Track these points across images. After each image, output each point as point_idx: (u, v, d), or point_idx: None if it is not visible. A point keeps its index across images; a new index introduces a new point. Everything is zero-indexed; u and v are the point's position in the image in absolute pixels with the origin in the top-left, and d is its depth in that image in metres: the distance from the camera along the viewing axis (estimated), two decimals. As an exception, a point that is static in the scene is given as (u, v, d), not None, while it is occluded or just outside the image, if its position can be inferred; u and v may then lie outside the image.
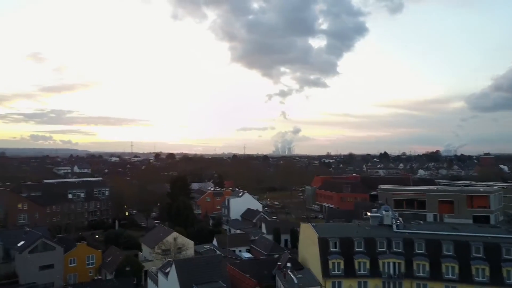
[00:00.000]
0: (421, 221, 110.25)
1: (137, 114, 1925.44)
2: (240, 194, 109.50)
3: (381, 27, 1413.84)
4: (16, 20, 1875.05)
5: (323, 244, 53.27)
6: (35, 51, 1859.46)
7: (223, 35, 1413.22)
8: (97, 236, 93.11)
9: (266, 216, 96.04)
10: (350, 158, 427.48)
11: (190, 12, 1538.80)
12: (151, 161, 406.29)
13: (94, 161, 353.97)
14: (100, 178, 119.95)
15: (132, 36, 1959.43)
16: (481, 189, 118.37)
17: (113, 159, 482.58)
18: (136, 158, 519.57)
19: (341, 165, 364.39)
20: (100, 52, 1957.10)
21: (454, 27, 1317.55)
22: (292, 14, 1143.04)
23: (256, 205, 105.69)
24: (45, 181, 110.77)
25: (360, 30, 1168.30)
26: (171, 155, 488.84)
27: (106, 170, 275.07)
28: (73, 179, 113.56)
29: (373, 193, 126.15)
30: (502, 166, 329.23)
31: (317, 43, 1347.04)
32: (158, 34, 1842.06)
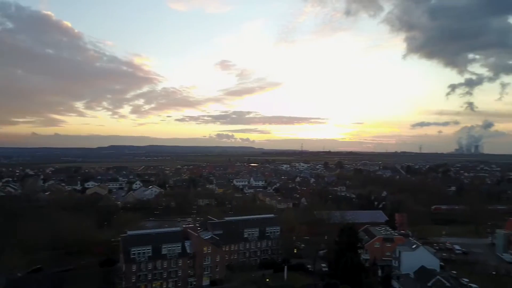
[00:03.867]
0: None
1: (309, 113, 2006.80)
2: (413, 246, 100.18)
3: None
4: (209, 33, 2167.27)
5: None
6: (223, 59, 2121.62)
7: (400, 26, 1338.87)
8: (267, 280, 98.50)
9: (444, 280, 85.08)
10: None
11: (364, 6, 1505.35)
12: (319, 172, 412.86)
13: (267, 173, 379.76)
14: (272, 215, 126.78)
15: (303, 39, 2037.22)
16: None
17: (284, 166, 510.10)
18: (305, 165, 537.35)
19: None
20: (275, 57, 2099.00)
21: None
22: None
23: (432, 263, 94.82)
24: (226, 218, 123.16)
25: None
26: (339, 164, 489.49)
27: (277, 184, 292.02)
28: (249, 217, 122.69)
29: None
30: None
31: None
32: (328, 33, 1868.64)
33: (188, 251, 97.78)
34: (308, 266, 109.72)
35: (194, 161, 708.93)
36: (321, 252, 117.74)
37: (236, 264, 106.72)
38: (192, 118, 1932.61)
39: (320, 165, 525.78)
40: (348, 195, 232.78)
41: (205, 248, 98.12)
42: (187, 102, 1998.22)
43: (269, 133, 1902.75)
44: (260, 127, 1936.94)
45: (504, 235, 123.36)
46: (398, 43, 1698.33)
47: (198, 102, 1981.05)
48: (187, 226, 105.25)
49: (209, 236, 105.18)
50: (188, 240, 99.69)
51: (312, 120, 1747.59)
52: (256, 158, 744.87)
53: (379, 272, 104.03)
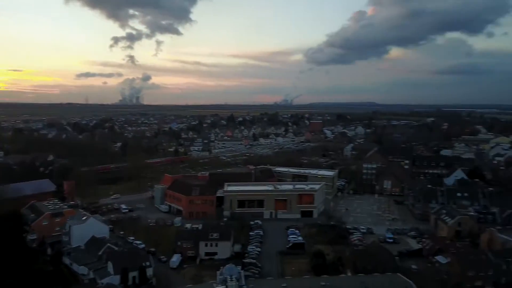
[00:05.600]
0: (259, 221, 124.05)
1: None
2: (83, 218, 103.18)
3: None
4: None
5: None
6: None
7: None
8: None
9: (113, 246, 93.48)
10: (199, 124, 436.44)
11: None
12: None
13: None
14: None
15: None
16: (308, 187, 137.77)
17: None
18: None
19: (190, 133, 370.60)
20: None
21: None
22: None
23: (103, 231, 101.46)
24: None
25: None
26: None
27: None
28: None
29: (220, 194, 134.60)
30: (326, 130, 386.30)
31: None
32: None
33: None
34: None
35: None
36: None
37: None
38: None
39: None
40: (7, 162, 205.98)
41: None
42: None
43: None
44: None
45: (161, 189, 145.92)
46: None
47: None
48: None
49: None
50: None
51: None
52: None
53: (49, 250, 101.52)
